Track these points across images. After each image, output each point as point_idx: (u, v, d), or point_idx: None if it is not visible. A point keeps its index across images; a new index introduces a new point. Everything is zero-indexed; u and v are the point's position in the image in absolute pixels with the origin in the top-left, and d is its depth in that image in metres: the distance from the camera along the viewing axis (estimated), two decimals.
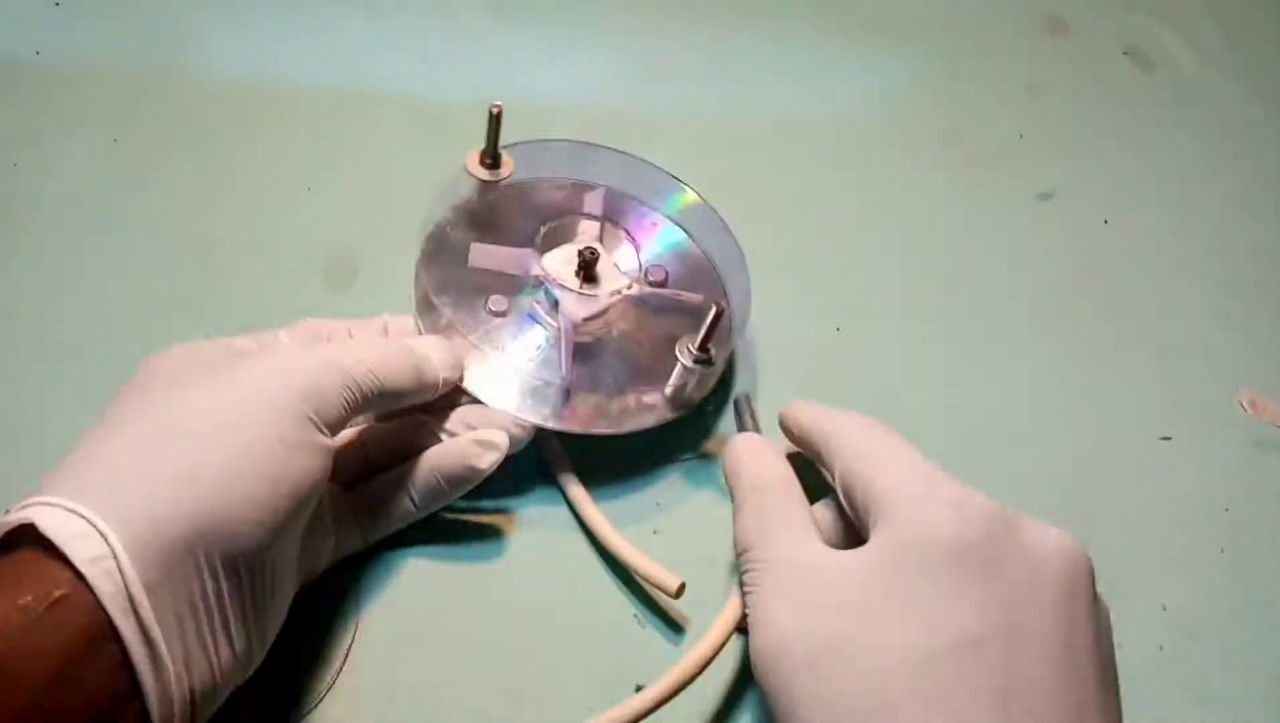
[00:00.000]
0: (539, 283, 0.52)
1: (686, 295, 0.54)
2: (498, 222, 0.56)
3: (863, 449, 0.40)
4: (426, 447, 0.47)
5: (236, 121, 0.65)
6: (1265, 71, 0.77)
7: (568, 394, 0.49)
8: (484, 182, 0.56)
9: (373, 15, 0.72)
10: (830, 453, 0.42)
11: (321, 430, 0.39)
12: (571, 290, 0.51)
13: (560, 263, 0.53)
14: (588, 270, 0.52)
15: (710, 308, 0.46)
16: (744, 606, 0.40)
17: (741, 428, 0.52)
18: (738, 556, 0.41)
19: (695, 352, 0.48)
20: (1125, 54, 0.78)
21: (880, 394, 0.57)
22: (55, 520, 0.33)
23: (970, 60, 0.76)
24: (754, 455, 0.44)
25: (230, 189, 0.61)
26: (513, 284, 0.53)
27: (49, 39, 0.67)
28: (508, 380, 0.49)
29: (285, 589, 0.39)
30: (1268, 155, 0.72)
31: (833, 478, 0.42)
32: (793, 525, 0.40)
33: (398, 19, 0.73)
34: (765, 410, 0.54)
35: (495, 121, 0.55)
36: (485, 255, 0.54)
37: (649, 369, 0.51)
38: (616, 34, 0.73)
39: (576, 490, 0.49)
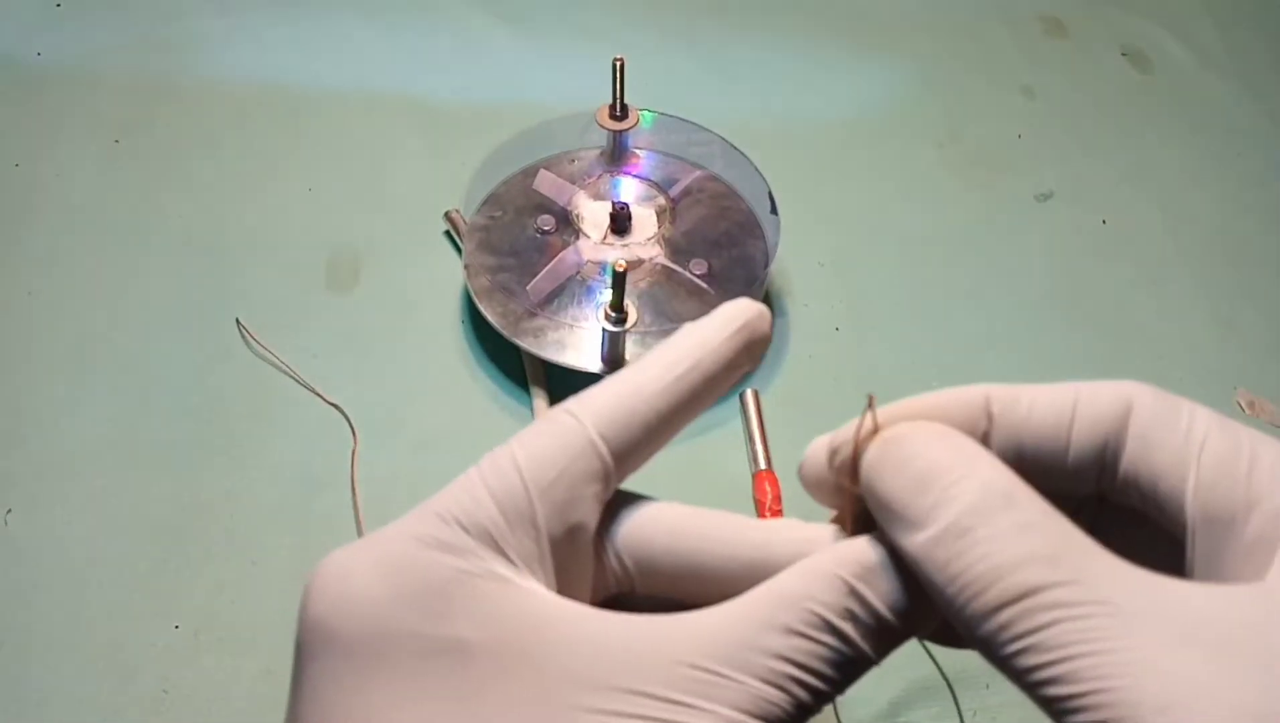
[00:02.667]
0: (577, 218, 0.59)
1: (688, 275, 0.57)
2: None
3: (1208, 437, 0.25)
4: None
5: (238, 123, 0.65)
6: (1262, 73, 0.78)
7: (532, 311, 0.55)
8: (614, 131, 0.60)
9: (374, 19, 0.73)
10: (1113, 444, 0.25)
11: None
12: (587, 234, 0.57)
13: (598, 210, 0.59)
14: (619, 224, 0.58)
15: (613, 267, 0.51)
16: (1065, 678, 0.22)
17: (746, 424, 0.53)
18: (990, 612, 0.22)
19: (611, 313, 0.52)
20: (1123, 55, 0.78)
21: (879, 394, 0.57)
22: None
23: (968, 62, 0.76)
24: (973, 457, 0.25)
25: (232, 191, 0.62)
26: (563, 215, 0.59)
27: (51, 41, 0.67)
28: (504, 266, 0.56)
29: None
30: (1265, 156, 0.73)
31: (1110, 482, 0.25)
32: (1096, 547, 0.23)
33: (398, 22, 0.73)
34: (765, 412, 0.54)
35: (620, 73, 0.58)
36: (544, 181, 0.60)
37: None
38: (617, 38, 0.74)
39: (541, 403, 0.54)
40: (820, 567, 0.25)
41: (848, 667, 0.24)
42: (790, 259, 0.62)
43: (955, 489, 0.24)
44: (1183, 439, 0.25)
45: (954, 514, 0.24)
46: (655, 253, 0.57)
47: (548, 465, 0.26)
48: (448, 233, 0.61)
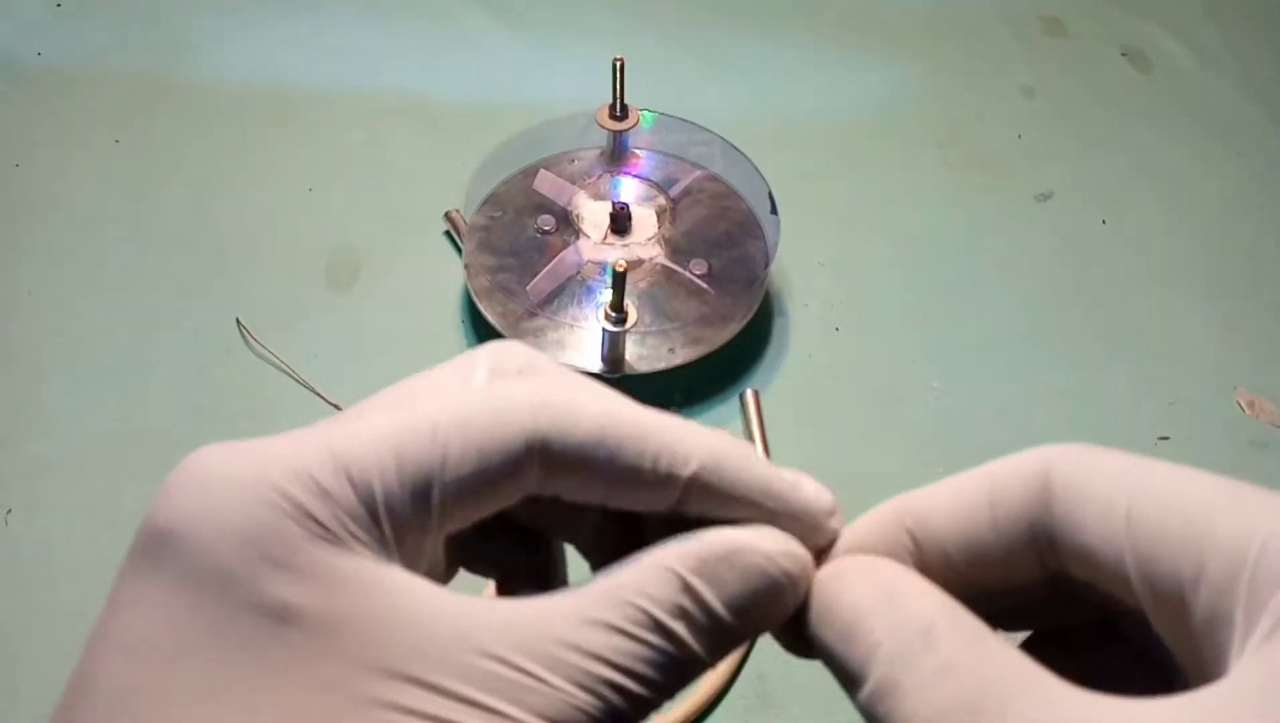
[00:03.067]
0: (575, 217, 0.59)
1: (687, 274, 0.57)
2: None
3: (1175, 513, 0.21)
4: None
5: (238, 123, 0.65)
6: (1262, 73, 0.78)
7: (532, 311, 0.55)
8: (614, 131, 0.60)
9: (374, 18, 0.73)
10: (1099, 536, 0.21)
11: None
12: (587, 234, 0.57)
13: (598, 210, 0.58)
14: (618, 224, 0.57)
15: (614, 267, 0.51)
16: None
17: (746, 424, 0.53)
18: None
19: (611, 313, 0.52)
20: (1123, 55, 0.78)
21: (879, 394, 0.57)
22: None
23: (968, 62, 0.76)
24: (891, 593, 0.23)
25: (232, 190, 0.62)
26: (563, 215, 0.59)
27: (51, 41, 0.67)
28: (504, 266, 0.56)
29: None
30: (1265, 156, 0.73)
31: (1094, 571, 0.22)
32: (1026, 674, 0.21)
33: (399, 22, 0.73)
34: (765, 412, 0.54)
35: (620, 73, 0.58)
36: (544, 181, 0.60)
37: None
38: (616, 38, 0.74)
39: None
40: (659, 558, 0.22)
41: (675, 669, 0.22)
42: (790, 259, 0.62)
43: (878, 635, 0.22)
44: (1105, 510, 0.21)
45: (881, 668, 0.22)
46: (655, 253, 0.57)
47: (470, 456, 0.22)
48: (448, 233, 0.61)
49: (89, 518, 0.49)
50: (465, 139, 0.64)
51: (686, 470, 0.23)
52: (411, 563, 0.22)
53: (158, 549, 0.21)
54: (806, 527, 0.24)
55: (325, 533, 0.21)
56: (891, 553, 0.24)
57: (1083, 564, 0.22)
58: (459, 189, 0.58)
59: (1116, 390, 0.59)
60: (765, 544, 0.23)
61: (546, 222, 0.58)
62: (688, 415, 0.53)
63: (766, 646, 0.29)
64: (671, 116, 0.62)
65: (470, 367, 0.24)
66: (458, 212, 0.60)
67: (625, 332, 0.52)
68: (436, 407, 0.22)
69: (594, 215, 0.58)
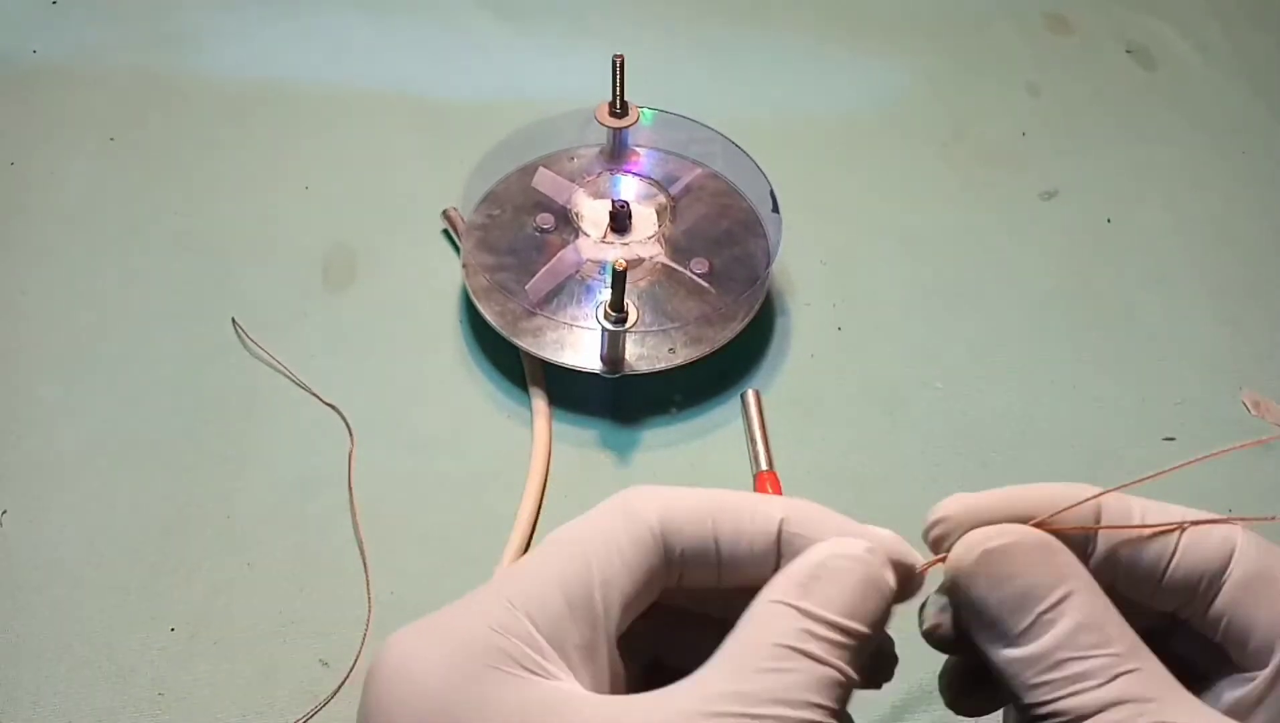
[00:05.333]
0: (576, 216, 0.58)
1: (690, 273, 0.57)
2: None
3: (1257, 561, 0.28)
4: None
5: (234, 120, 0.64)
6: (1268, 70, 0.77)
7: (530, 310, 0.54)
8: (614, 129, 0.59)
9: (371, 15, 0.72)
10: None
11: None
12: (586, 232, 0.56)
13: (598, 209, 0.57)
14: (618, 222, 0.56)
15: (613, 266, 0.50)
16: None
17: (747, 424, 0.52)
18: None
19: (611, 312, 0.51)
20: (1128, 52, 0.77)
21: (881, 394, 0.56)
22: None
23: (972, 59, 0.76)
24: (1060, 576, 0.27)
25: (228, 188, 0.61)
26: (563, 213, 0.58)
27: (46, 38, 0.66)
28: (503, 265, 0.56)
29: None
30: (1272, 154, 0.72)
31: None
32: (1177, 689, 0.26)
33: (396, 19, 0.72)
34: (767, 412, 0.53)
35: (619, 70, 0.57)
36: (543, 179, 0.59)
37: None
38: (617, 35, 0.73)
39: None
40: (763, 598, 0.26)
41: (830, 690, 0.25)
42: (792, 258, 0.61)
43: (1051, 614, 0.26)
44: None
45: (1048, 643, 0.25)
46: (656, 252, 0.57)
47: (619, 581, 0.27)
48: (445, 231, 0.61)
49: (84, 519, 0.49)
50: (464, 137, 0.64)
51: (774, 522, 0.27)
52: (592, 669, 0.26)
53: None
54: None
55: (518, 672, 0.25)
56: (1073, 533, 0.28)
57: (1235, 628, 0.27)
58: (457, 187, 0.58)
59: (1122, 391, 0.59)
60: (844, 548, 0.27)
61: (545, 220, 0.58)
62: (688, 416, 0.53)
63: None
64: (672, 114, 0.62)
65: (609, 508, 0.28)
66: (455, 210, 0.59)
67: (625, 331, 0.52)
68: (586, 541, 0.27)
69: (594, 214, 0.58)
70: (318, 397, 0.54)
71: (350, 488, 0.50)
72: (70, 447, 0.51)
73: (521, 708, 0.24)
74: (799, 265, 0.62)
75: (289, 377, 0.54)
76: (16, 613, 0.46)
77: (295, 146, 0.63)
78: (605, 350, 0.53)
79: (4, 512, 0.49)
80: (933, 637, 0.29)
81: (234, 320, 0.56)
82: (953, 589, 0.28)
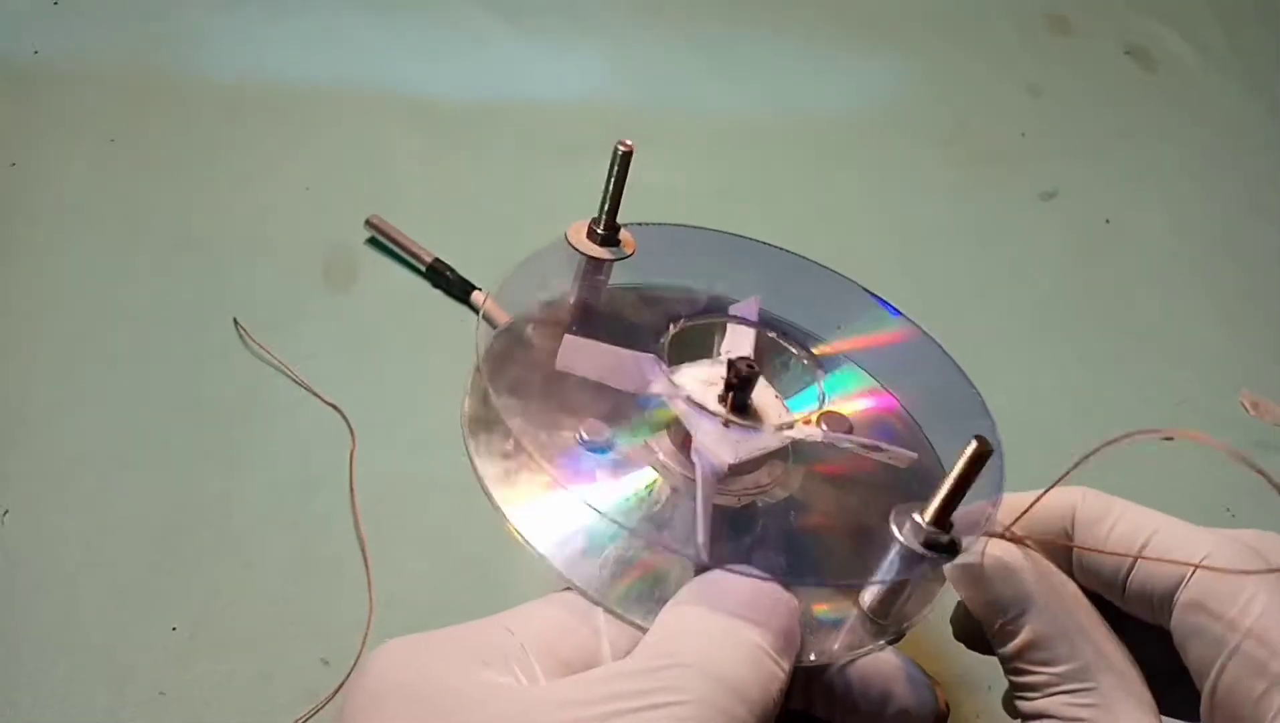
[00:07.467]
0: (661, 405, 0.35)
1: (897, 451, 0.37)
2: (598, 322, 0.38)
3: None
4: None
5: (235, 121, 0.64)
6: (1267, 71, 0.77)
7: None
8: (594, 261, 0.39)
9: (371, 15, 0.72)
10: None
11: None
12: (717, 420, 0.34)
13: (696, 383, 0.35)
14: (740, 397, 0.35)
15: (972, 445, 0.30)
16: None
17: None
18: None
19: (927, 527, 0.31)
20: (1127, 54, 0.77)
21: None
22: None
23: (973, 60, 0.76)
24: (1004, 575, 0.31)
25: (229, 188, 0.61)
26: (619, 405, 0.35)
27: (47, 39, 0.66)
28: (600, 544, 0.33)
29: None
30: (1269, 155, 0.72)
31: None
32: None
33: (396, 19, 0.72)
34: None
35: (622, 167, 0.37)
36: (582, 355, 0.35)
37: (829, 561, 0.34)
38: (618, 36, 0.73)
39: None
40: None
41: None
42: None
43: (1012, 627, 0.30)
44: (1224, 632, 0.28)
45: (1009, 651, 0.30)
46: None
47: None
48: (373, 239, 0.60)
49: (85, 519, 0.49)
50: (463, 136, 0.64)
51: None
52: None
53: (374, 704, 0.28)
54: None
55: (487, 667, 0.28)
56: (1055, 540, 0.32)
57: (1184, 647, 0.29)
58: (457, 186, 0.58)
59: (1120, 390, 0.59)
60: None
61: (595, 429, 0.34)
62: None
63: None
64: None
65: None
66: (379, 217, 0.57)
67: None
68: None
69: (695, 390, 0.36)
70: (319, 396, 0.54)
71: (351, 488, 0.50)
72: (71, 447, 0.51)
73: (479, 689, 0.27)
74: None
75: (290, 376, 0.54)
76: (17, 613, 0.46)
77: (296, 147, 0.63)
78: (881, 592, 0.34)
79: (4, 512, 0.49)
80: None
81: (235, 320, 0.56)
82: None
